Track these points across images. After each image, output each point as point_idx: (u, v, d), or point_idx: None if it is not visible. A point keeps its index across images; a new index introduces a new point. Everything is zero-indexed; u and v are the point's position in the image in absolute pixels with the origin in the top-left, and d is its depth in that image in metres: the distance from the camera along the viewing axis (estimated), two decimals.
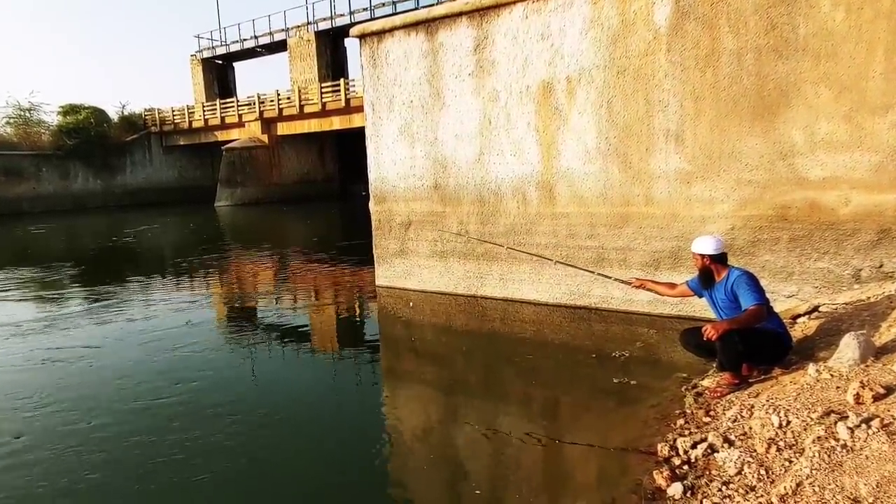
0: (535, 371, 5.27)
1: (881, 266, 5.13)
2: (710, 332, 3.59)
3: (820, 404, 3.08)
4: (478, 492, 3.31)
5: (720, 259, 4.01)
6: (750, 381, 3.87)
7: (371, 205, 8.32)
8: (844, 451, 2.59)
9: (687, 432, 3.47)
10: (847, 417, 2.77)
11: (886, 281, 5.03)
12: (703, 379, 4.28)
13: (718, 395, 3.85)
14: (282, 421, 4.35)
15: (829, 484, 2.40)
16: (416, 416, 4.57)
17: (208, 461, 3.77)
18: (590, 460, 3.72)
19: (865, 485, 2.29)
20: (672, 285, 4.59)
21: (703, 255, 4.02)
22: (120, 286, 9.96)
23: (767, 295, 3.89)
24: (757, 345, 3.72)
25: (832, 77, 5.10)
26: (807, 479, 2.48)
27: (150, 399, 4.80)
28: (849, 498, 2.28)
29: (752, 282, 3.82)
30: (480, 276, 7.43)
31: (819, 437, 2.74)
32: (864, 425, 2.67)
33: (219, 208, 29.50)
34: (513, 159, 6.92)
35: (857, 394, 2.96)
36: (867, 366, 3.34)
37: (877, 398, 2.92)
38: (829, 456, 2.59)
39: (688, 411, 3.81)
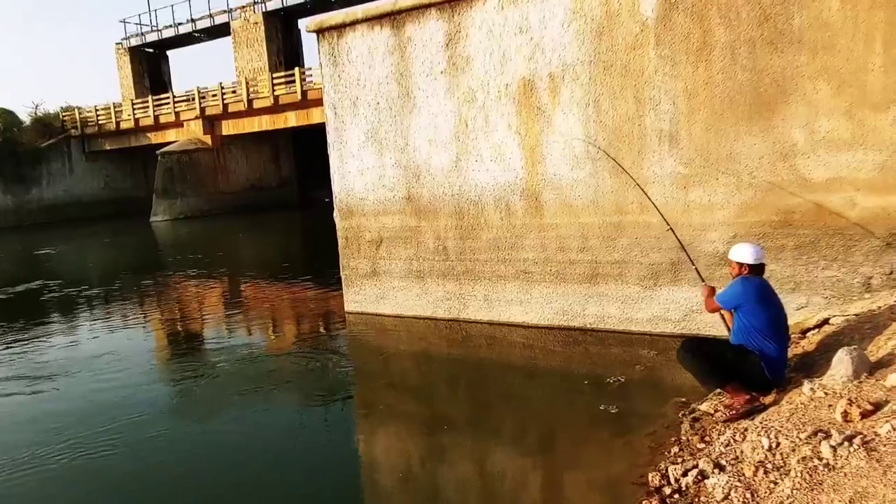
0: (524, 401, 5.71)
1: (892, 272, 5.65)
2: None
3: (810, 424, 3.55)
4: None
5: (759, 270, 4.46)
6: (766, 403, 4.23)
7: (337, 220, 8.72)
8: (826, 469, 3.05)
9: (679, 460, 3.93)
10: (831, 436, 3.23)
11: None
12: (701, 403, 4.74)
13: (734, 414, 4.20)
14: (243, 479, 4.59)
15: (808, 503, 2.85)
16: (394, 456, 4.98)
17: None
18: (581, 494, 4.15)
19: (839, 502, 2.74)
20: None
21: (741, 264, 4.45)
22: (33, 325, 10.21)
23: None
24: (737, 367, 4.21)
25: (830, 71, 5.64)
26: (787, 499, 2.93)
27: (75, 462, 5.12)
28: None
29: (743, 289, 4.36)
30: (462, 297, 7.86)
31: (804, 458, 3.20)
32: (846, 443, 3.13)
33: (155, 223, 29.65)
34: (493, 166, 7.38)
35: (845, 411, 3.43)
36: (860, 382, 3.82)
37: (864, 415, 3.38)
38: (810, 476, 3.04)
39: (683, 438, 4.28)
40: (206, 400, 6.31)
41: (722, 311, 4.74)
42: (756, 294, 4.38)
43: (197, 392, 6.56)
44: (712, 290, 4.81)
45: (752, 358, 4.23)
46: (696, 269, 5.37)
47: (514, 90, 7.13)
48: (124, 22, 37.53)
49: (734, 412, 4.24)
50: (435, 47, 7.54)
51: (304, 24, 31.94)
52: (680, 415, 4.70)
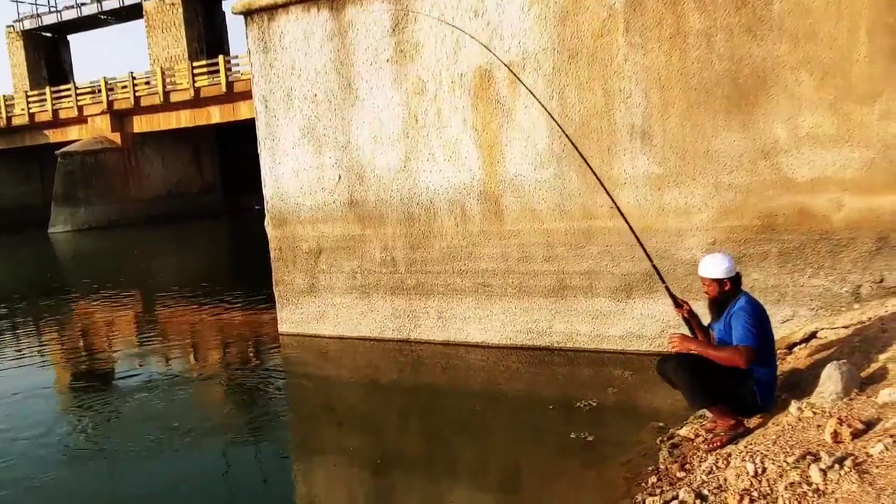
0: (485, 432, 5.72)
1: (882, 280, 5.88)
2: (672, 343, 4.36)
3: (798, 446, 3.65)
4: None
5: (738, 282, 4.41)
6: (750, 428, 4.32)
7: (268, 228, 8.63)
8: (816, 495, 3.14)
9: (658, 491, 3.99)
10: (820, 459, 3.33)
11: (889, 297, 5.77)
12: (680, 428, 4.83)
13: (719, 443, 4.28)
14: None
15: None
16: (337, 502, 4.91)
17: None
18: None
19: None
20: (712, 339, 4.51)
21: (720, 280, 4.32)
22: None
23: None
24: (729, 388, 4.28)
25: (813, 61, 5.86)
26: None
27: None
28: None
29: (754, 314, 4.27)
30: (413, 314, 7.85)
31: (792, 483, 3.29)
32: (836, 466, 3.23)
33: (55, 236, 28.87)
34: (447, 165, 7.42)
35: (835, 432, 3.54)
36: (850, 399, 3.95)
37: (856, 435, 3.50)
38: (799, 502, 3.12)
39: (661, 467, 4.35)
40: (110, 445, 5.99)
41: (692, 322, 4.62)
42: (763, 313, 4.40)
43: (100, 436, 6.24)
44: (692, 316, 4.62)
45: (747, 382, 4.27)
46: (661, 279, 4.84)
47: (470, 81, 7.20)
48: (17, 1, 36.62)
49: (717, 439, 4.31)
50: (380, 32, 7.56)
51: (229, 5, 31.80)
52: (658, 441, 4.77)
